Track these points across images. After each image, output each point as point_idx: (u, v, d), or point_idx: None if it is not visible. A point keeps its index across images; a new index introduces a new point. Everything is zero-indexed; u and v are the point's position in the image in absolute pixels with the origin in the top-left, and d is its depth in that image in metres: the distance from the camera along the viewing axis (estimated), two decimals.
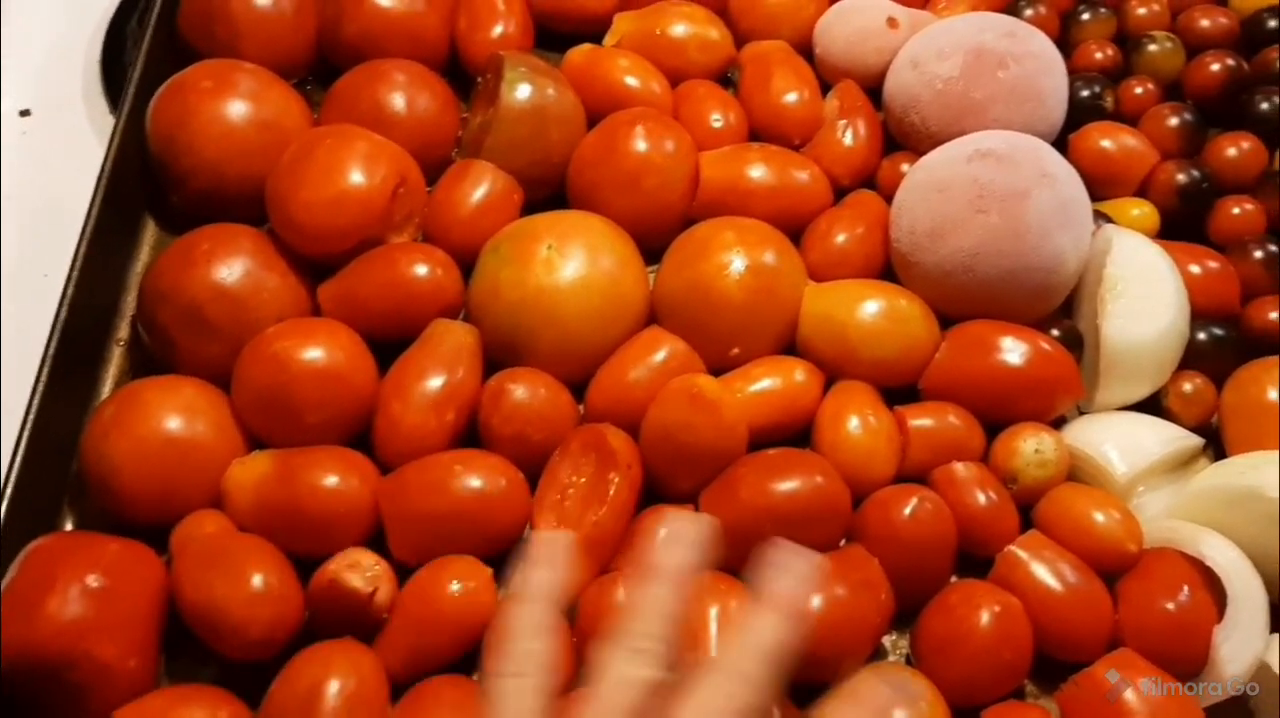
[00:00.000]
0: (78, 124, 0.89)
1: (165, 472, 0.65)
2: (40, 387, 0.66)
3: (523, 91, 0.75)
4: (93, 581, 0.59)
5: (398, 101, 0.77)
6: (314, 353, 0.66)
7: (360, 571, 0.60)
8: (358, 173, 0.71)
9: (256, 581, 0.60)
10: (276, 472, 0.64)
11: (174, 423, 0.65)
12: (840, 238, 0.73)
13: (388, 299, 0.70)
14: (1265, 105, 0.79)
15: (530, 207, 0.76)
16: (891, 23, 0.81)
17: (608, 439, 0.64)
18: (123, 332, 0.75)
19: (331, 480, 0.64)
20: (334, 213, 0.70)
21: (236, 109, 0.75)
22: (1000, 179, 0.67)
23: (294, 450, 0.65)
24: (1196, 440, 0.67)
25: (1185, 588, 0.60)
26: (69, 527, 0.68)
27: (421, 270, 0.70)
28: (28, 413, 0.65)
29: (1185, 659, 0.59)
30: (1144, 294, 0.67)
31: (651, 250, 0.74)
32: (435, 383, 0.67)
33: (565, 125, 0.77)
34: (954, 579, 0.64)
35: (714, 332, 0.69)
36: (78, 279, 0.70)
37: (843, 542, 0.64)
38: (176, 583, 0.61)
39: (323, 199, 0.70)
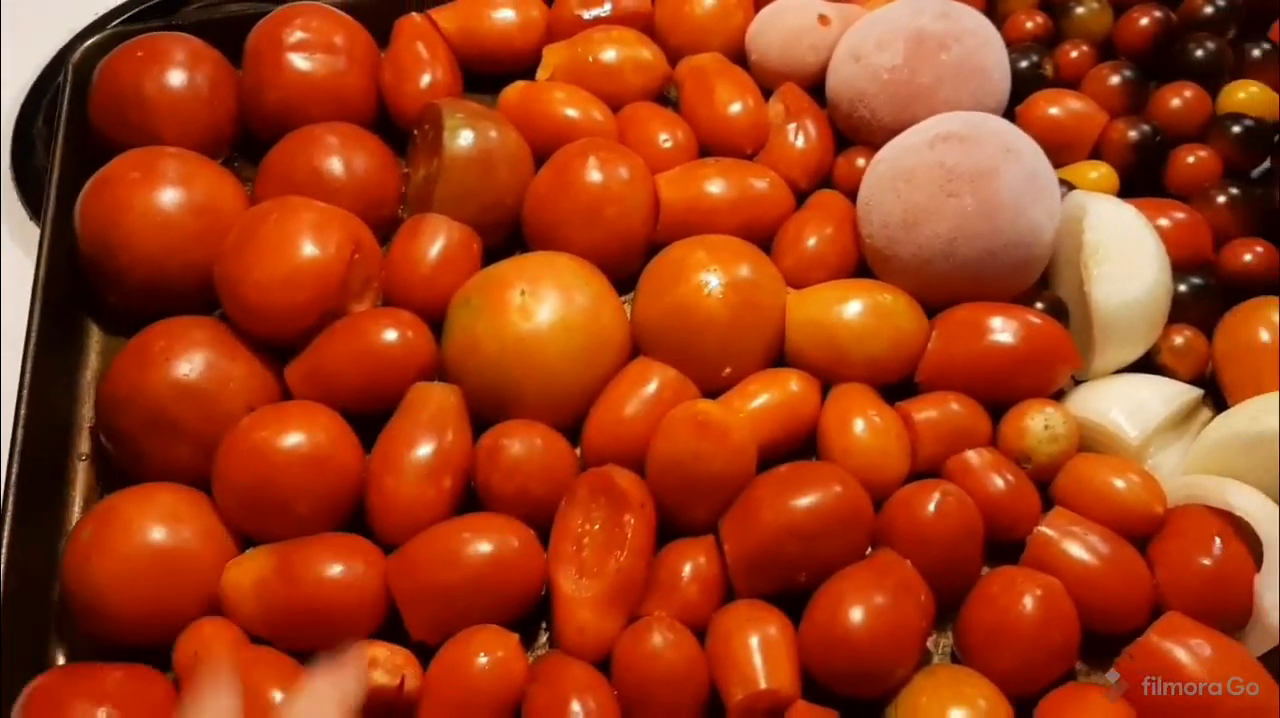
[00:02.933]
0: None
1: (156, 587, 0.61)
2: (7, 519, 0.63)
3: (465, 138, 0.73)
4: (102, 715, 0.55)
5: (335, 165, 0.75)
6: (294, 438, 0.63)
7: (380, 666, 0.57)
8: (309, 244, 0.68)
9: (277, 698, 0.56)
10: (276, 569, 0.61)
11: (157, 534, 0.62)
12: (811, 241, 0.72)
13: (360, 371, 0.67)
14: (1200, 52, 0.80)
15: (487, 253, 0.74)
16: (823, 20, 0.80)
17: (616, 481, 0.62)
18: (83, 446, 0.71)
19: (335, 570, 0.60)
20: (290, 290, 0.67)
21: (168, 197, 0.72)
22: (966, 160, 0.67)
23: (291, 544, 0.62)
24: (1196, 392, 0.67)
25: (1218, 541, 0.59)
26: (60, 660, 0.64)
27: (391, 336, 0.68)
28: None
29: (1230, 613, 0.59)
30: (1126, 255, 0.67)
31: (621, 281, 0.73)
32: (425, 450, 0.64)
33: (513, 166, 0.75)
34: (985, 569, 0.63)
35: (703, 354, 0.68)
36: (29, 398, 0.67)
37: (869, 548, 0.62)
38: None
39: (276, 277, 0.67)
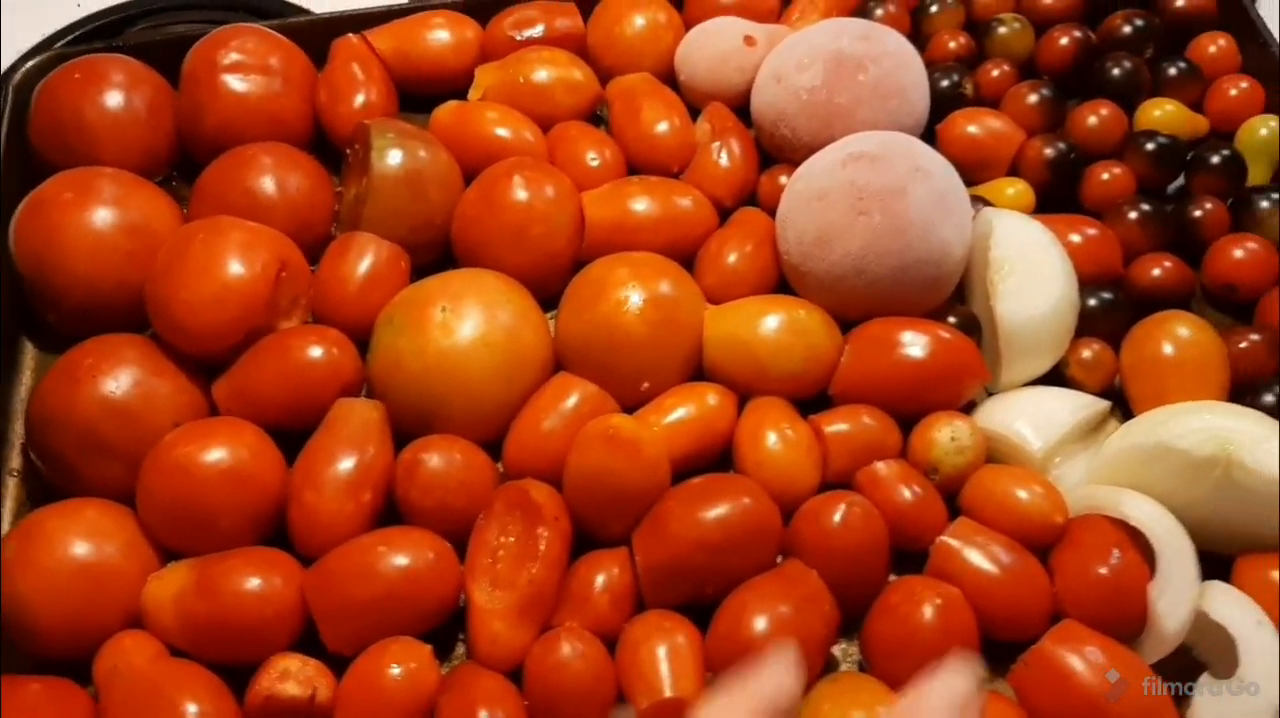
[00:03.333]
0: None
1: (78, 601, 0.62)
2: None
3: (394, 157, 0.74)
4: None
5: (268, 185, 0.76)
6: (217, 454, 0.64)
7: (292, 677, 0.58)
8: (236, 264, 0.69)
9: (191, 711, 0.57)
10: (195, 583, 0.62)
11: (81, 549, 0.63)
12: (731, 258, 0.74)
13: (285, 388, 0.68)
14: (1117, 71, 0.81)
15: (419, 271, 0.75)
16: (749, 40, 0.82)
17: (531, 494, 0.63)
18: (15, 462, 0.72)
19: (253, 584, 0.62)
20: (217, 309, 0.68)
21: (103, 217, 0.73)
22: (876, 179, 0.68)
23: (211, 558, 0.63)
24: (1104, 404, 0.68)
25: (1115, 551, 0.61)
26: None
27: (316, 353, 0.69)
28: None
29: (1125, 620, 0.60)
30: (1031, 270, 0.68)
31: (547, 298, 0.74)
32: (346, 465, 0.65)
33: (442, 185, 0.76)
34: (893, 578, 0.64)
35: (621, 369, 0.69)
36: None
37: (779, 558, 0.64)
38: None
39: (204, 296, 0.68)
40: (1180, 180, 0.79)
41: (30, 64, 0.84)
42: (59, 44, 0.94)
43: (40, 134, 0.80)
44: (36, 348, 0.77)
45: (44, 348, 0.77)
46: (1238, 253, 0.73)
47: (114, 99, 0.80)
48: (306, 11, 0.96)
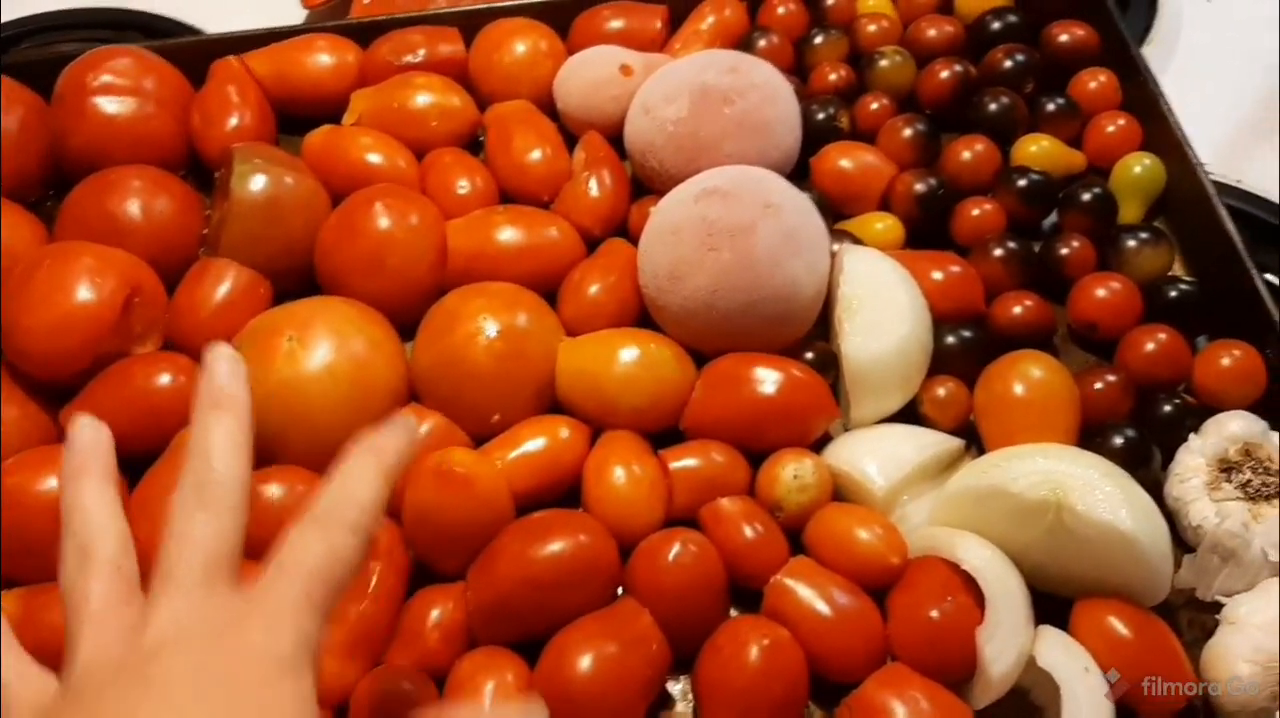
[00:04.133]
0: None
1: None
2: None
3: (256, 183, 0.74)
4: None
5: (132, 208, 0.75)
6: (50, 483, 0.64)
7: None
8: (84, 289, 0.69)
9: None
10: (20, 615, 0.61)
11: None
12: (593, 289, 0.73)
13: (130, 415, 0.67)
14: (994, 106, 0.81)
15: (283, 297, 0.75)
16: (625, 70, 0.81)
17: None
18: None
19: None
20: (61, 335, 0.68)
21: None
22: (726, 215, 0.68)
23: (37, 589, 0.63)
24: (955, 443, 0.68)
25: (948, 595, 0.60)
26: None
27: (164, 379, 0.68)
28: None
29: (954, 665, 0.59)
30: (878, 308, 0.68)
31: (408, 326, 0.73)
32: None
33: (306, 211, 0.76)
34: (734, 615, 0.64)
35: (471, 401, 0.69)
36: None
37: (618, 595, 0.63)
38: None
39: (47, 322, 0.68)
40: (1054, 217, 0.79)
41: None
42: None
43: None
44: None
45: None
46: (1100, 292, 0.73)
47: None
48: (197, 31, 0.96)
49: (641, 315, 0.74)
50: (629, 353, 0.69)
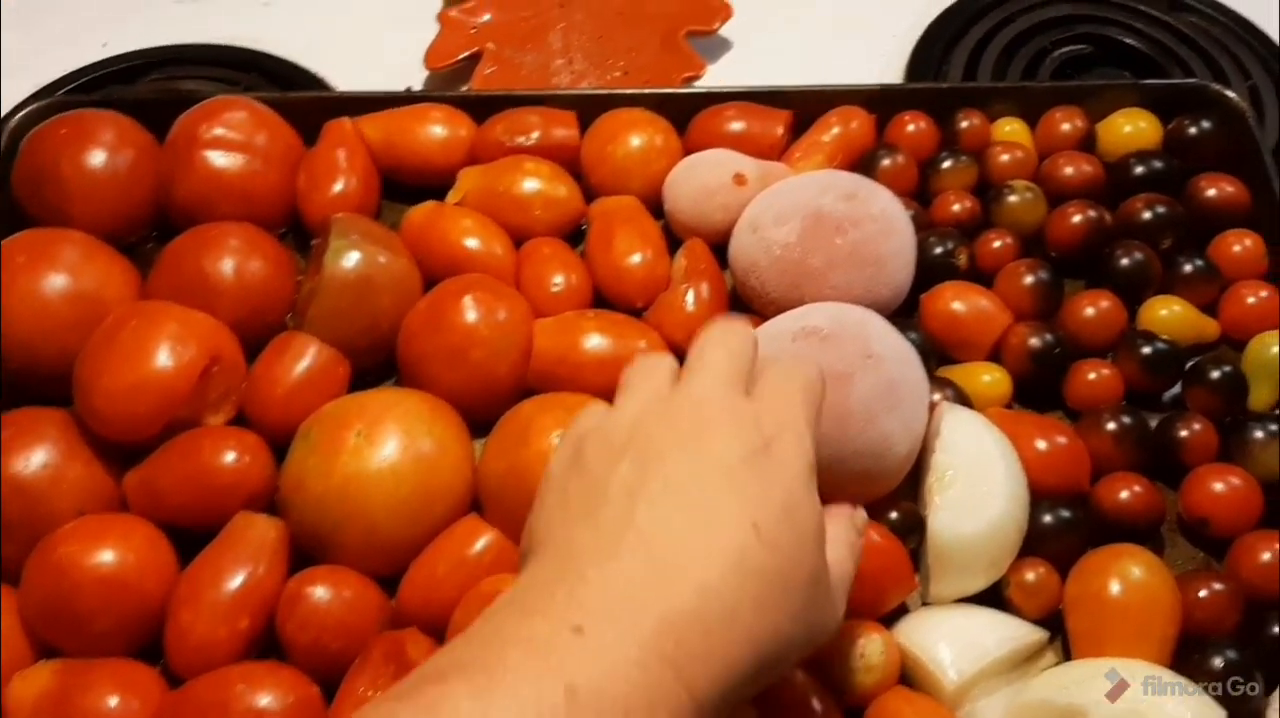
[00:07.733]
0: None
1: None
2: None
3: (349, 259, 0.73)
4: None
5: (226, 268, 0.74)
6: (102, 557, 0.63)
7: None
8: (163, 355, 0.68)
9: None
10: (55, 691, 0.60)
11: None
12: None
13: (190, 490, 0.66)
14: (1126, 260, 0.76)
15: (361, 375, 0.73)
16: (739, 179, 0.78)
17: (407, 649, 0.60)
18: None
19: (110, 702, 0.59)
20: (135, 400, 0.67)
21: (53, 283, 0.72)
22: (823, 361, 0.63)
23: (76, 664, 0.62)
24: (1040, 635, 0.63)
25: None
26: None
27: (229, 458, 0.67)
28: None
29: None
30: (973, 484, 0.64)
31: (486, 423, 0.71)
32: (231, 586, 0.63)
33: (396, 292, 0.74)
34: None
35: None
36: None
37: None
38: None
39: (123, 386, 0.67)
40: (1178, 389, 0.73)
41: (27, 110, 0.83)
42: (69, 87, 0.94)
43: (20, 186, 0.79)
44: None
45: None
46: (1217, 486, 0.67)
47: (95, 158, 0.79)
48: (322, 81, 0.95)
49: None
50: None
